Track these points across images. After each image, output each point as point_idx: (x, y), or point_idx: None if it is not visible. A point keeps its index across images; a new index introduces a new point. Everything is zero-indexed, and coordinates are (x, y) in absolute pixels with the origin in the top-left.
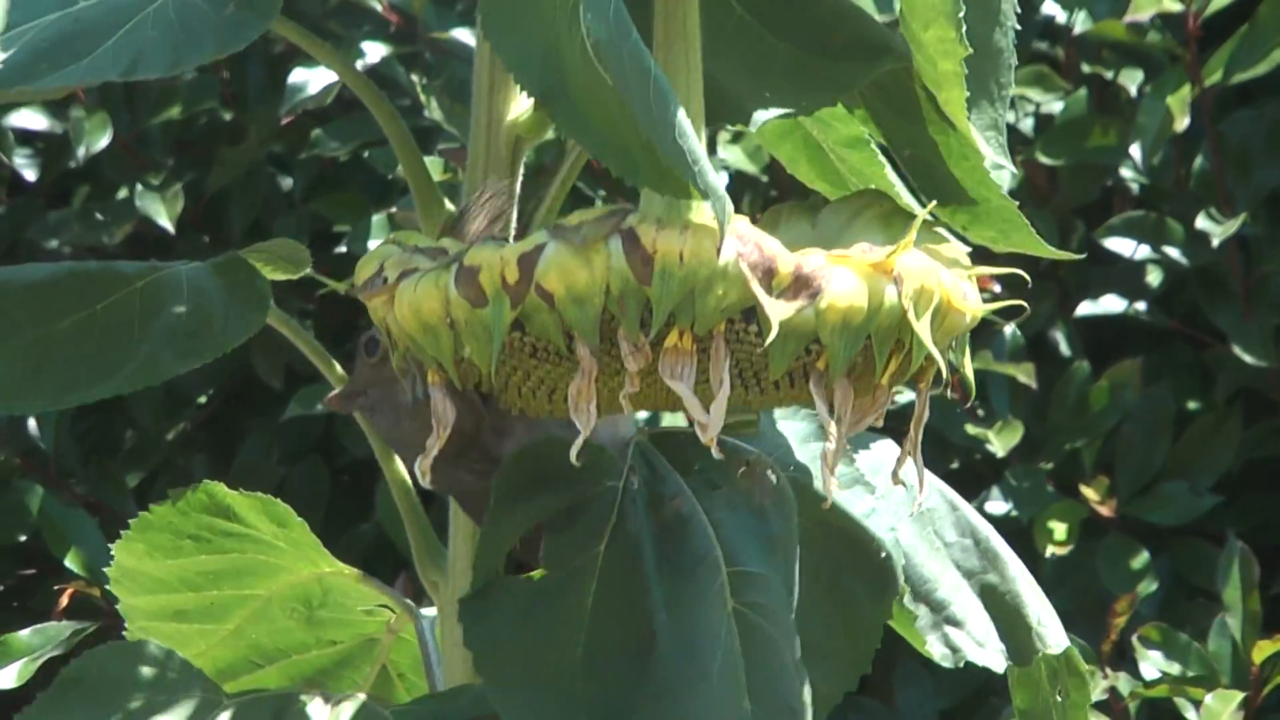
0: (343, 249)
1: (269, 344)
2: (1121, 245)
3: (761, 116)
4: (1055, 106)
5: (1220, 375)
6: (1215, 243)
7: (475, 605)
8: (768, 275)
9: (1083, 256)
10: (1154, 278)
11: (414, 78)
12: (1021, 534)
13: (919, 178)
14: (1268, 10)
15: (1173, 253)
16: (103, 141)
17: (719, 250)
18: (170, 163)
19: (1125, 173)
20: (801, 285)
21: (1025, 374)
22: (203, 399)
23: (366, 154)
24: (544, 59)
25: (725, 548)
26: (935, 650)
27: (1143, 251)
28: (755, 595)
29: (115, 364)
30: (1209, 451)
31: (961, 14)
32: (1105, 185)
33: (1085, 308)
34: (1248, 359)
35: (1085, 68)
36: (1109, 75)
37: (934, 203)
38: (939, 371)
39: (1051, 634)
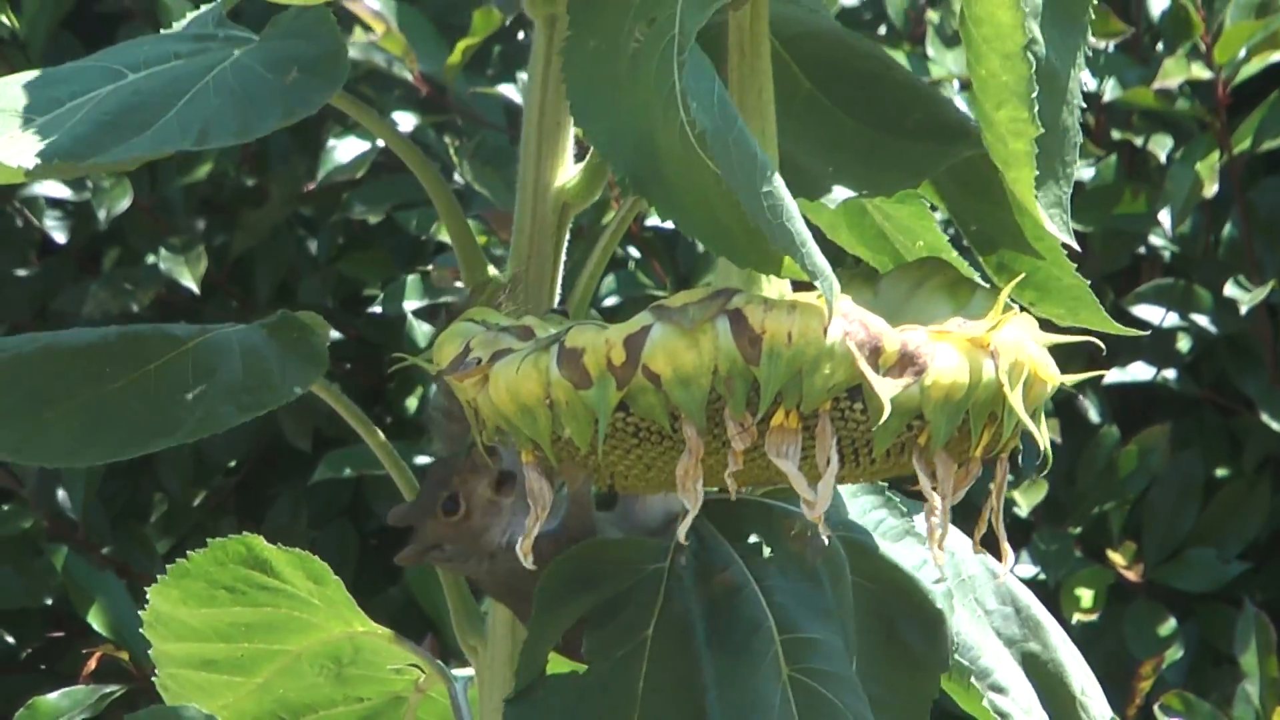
0: (377, 309)
1: (298, 407)
2: (1150, 313)
3: (838, 195)
4: (1085, 174)
5: (1248, 443)
6: (1244, 310)
7: (520, 705)
8: (874, 354)
9: (1147, 333)
10: (1183, 345)
11: (446, 140)
12: (1048, 598)
13: (984, 252)
14: None
15: (1201, 320)
16: (123, 206)
17: (826, 329)
18: (199, 225)
19: (1155, 240)
20: (907, 363)
21: (1052, 430)
22: (232, 463)
23: (404, 217)
24: (637, 145)
25: (778, 615)
26: (988, 711)
27: (1171, 319)
28: (812, 660)
29: (174, 420)
30: (1237, 518)
31: (1035, 94)
32: (1135, 252)
33: (1114, 375)
34: (1276, 427)
35: (1115, 134)
36: (1139, 142)
37: (1011, 282)
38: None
39: (1095, 705)
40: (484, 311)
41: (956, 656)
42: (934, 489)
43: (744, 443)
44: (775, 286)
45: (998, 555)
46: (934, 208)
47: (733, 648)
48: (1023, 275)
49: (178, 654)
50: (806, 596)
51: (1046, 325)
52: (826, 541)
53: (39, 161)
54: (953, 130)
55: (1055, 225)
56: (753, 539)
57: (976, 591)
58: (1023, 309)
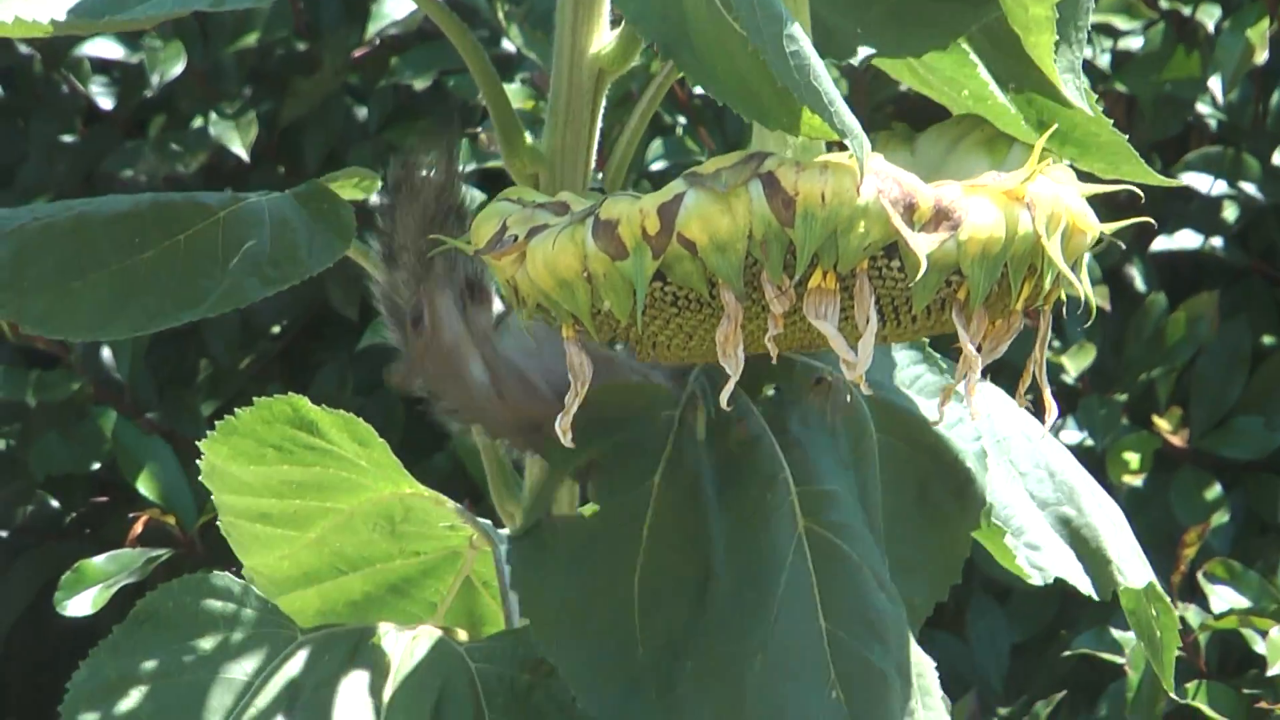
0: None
1: (344, 275)
2: (1198, 180)
3: (864, 54)
4: (1133, 44)
5: None
6: None
7: (523, 546)
8: (909, 210)
9: (1185, 184)
10: (1230, 213)
11: (495, 2)
12: (1095, 464)
13: (1025, 110)
14: None
15: (1250, 189)
16: (176, 70)
17: (859, 188)
18: (246, 92)
19: (1203, 108)
20: (942, 218)
21: (1100, 296)
22: (277, 329)
23: (450, 83)
24: (664, 11)
25: (795, 467)
26: (1023, 566)
27: (1220, 187)
28: (830, 513)
29: (201, 292)
30: None
31: None
32: (1185, 120)
33: (1161, 243)
34: None
35: (1164, 3)
36: (1186, 11)
37: (1047, 133)
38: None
39: (1130, 568)
40: (521, 190)
41: (991, 516)
42: (973, 345)
43: (782, 306)
44: (809, 149)
45: (1041, 410)
46: None
47: (746, 499)
48: (1055, 126)
49: (235, 505)
50: (826, 449)
51: (1088, 179)
52: (849, 398)
53: (57, 18)
54: None
55: (1071, 91)
56: (771, 391)
57: (1011, 453)
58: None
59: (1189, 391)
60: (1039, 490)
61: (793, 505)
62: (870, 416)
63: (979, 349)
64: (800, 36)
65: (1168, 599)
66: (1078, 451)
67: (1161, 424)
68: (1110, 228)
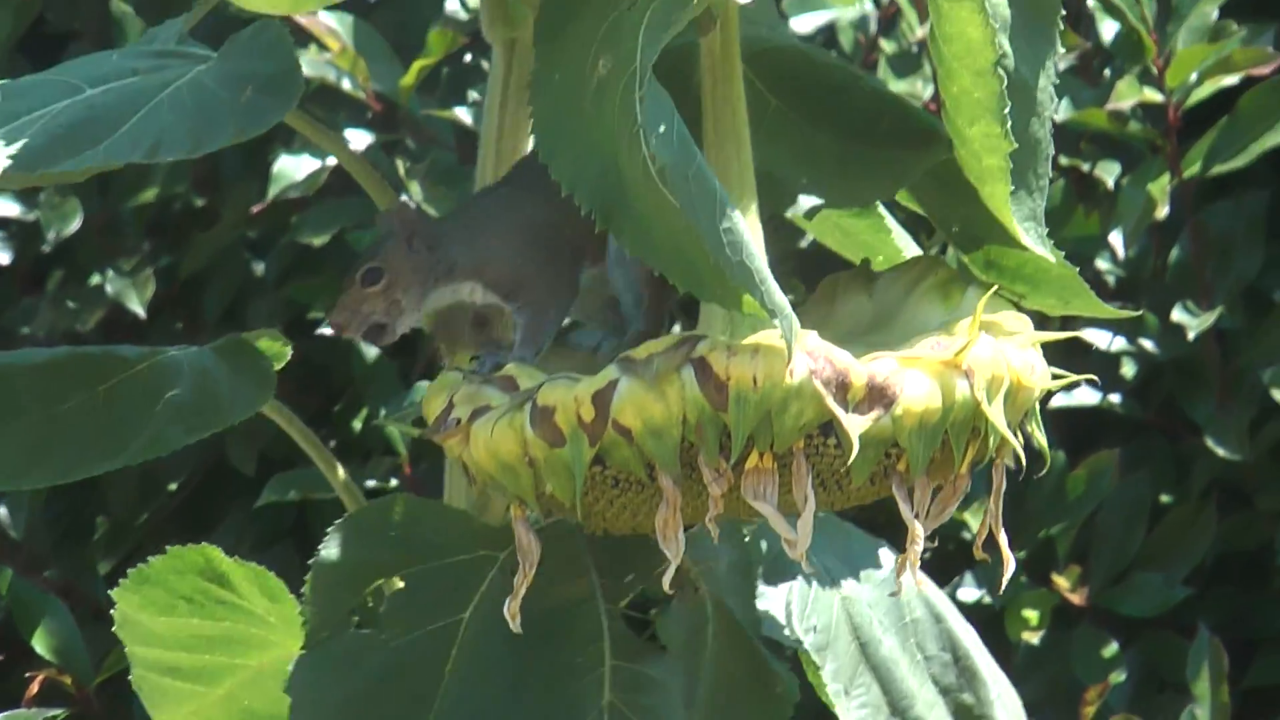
0: (326, 330)
1: (243, 430)
2: (1098, 337)
3: (817, 207)
4: None
5: (1195, 468)
6: (1192, 335)
7: (312, 659)
8: (842, 389)
9: (1139, 312)
10: (1129, 369)
11: (397, 160)
12: (993, 620)
13: (969, 252)
14: (1248, 103)
15: (1148, 344)
16: (73, 226)
17: (791, 370)
18: (145, 247)
19: (1102, 264)
20: (876, 395)
21: (1008, 453)
22: (174, 485)
23: (349, 237)
24: (602, 176)
25: (618, 640)
26: None
27: (1119, 343)
28: (642, 696)
29: (121, 441)
30: (1183, 544)
31: (1007, 109)
32: (1083, 277)
33: (1061, 399)
34: (1222, 452)
35: (1063, 160)
36: (1086, 167)
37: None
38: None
39: None
40: (467, 359)
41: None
42: (913, 516)
43: (721, 487)
44: (751, 323)
45: (938, 582)
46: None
47: (558, 658)
48: (993, 291)
49: (145, 658)
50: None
51: (1039, 317)
52: (695, 590)
53: None
54: (925, 135)
55: (1031, 239)
56: (619, 561)
57: (919, 635)
58: (1015, 305)
59: (1088, 547)
60: (942, 675)
61: (603, 676)
62: (710, 616)
63: (923, 516)
64: (734, 213)
65: None
66: (976, 609)
67: (1060, 581)
68: (1058, 384)
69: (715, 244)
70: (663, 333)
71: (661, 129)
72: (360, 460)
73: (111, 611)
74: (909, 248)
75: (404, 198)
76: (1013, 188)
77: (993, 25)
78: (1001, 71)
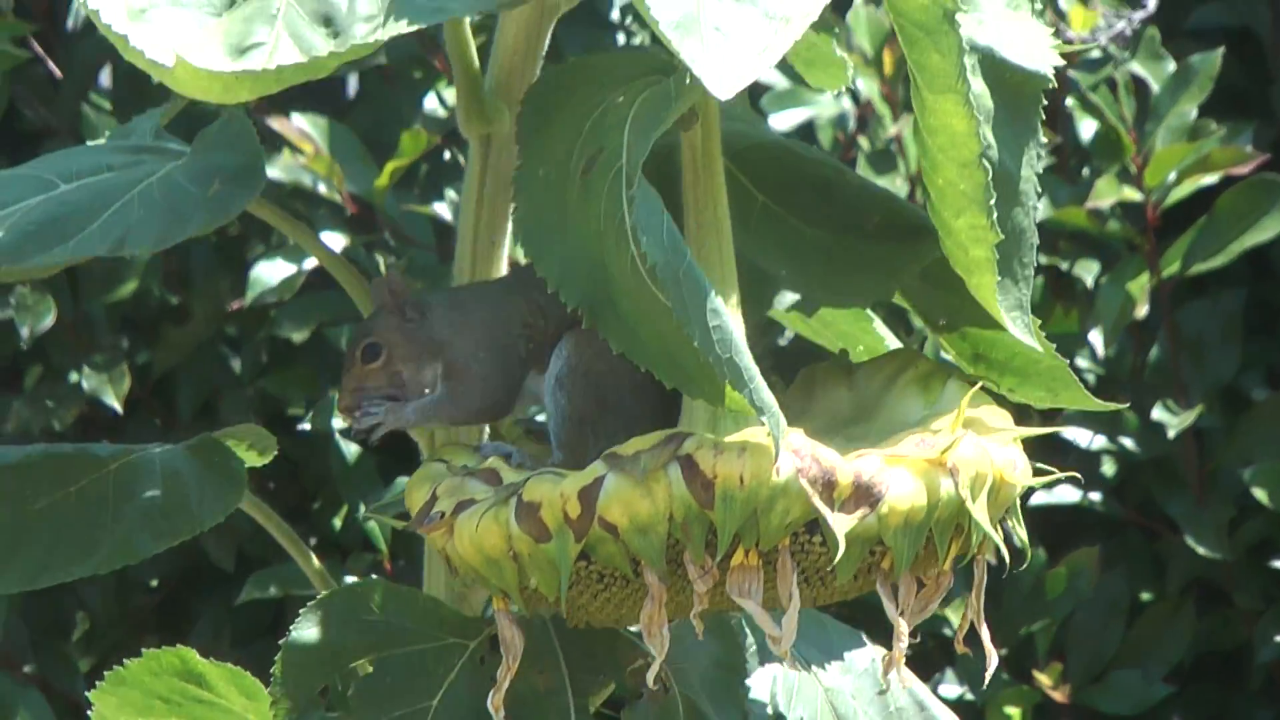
0: (305, 426)
1: (221, 527)
2: (1077, 434)
3: (811, 306)
4: None
5: (1173, 566)
6: (1172, 434)
7: None
8: (828, 488)
9: (1126, 405)
10: (1109, 468)
11: (377, 257)
12: (975, 717)
13: (956, 344)
14: (1226, 203)
15: (1128, 443)
16: (46, 323)
17: (778, 468)
18: (122, 344)
19: (1081, 362)
20: (862, 494)
21: (989, 548)
22: (154, 582)
23: (327, 332)
24: (588, 274)
25: None
26: None
27: (1099, 441)
28: None
29: (91, 545)
30: (1162, 641)
31: (993, 201)
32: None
33: (1041, 496)
34: (1201, 550)
35: (1042, 258)
36: (1064, 266)
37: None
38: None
39: None
40: (453, 450)
41: None
42: (898, 613)
43: (706, 584)
44: (736, 419)
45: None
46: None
47: None
48: (976, 388)
49: None
50: None
51: (1024, 410)
52: (665, 689)
53: None
54: (915, 229)
55: (1018, 329)
56: (589, 656)
57: None
58: (996, 397)
59: (1067, 644)
60: None
61: None
62: (682, 716)
63: (906, 613)
64: (723, 310)
65: None
66: (958, 705)
67: (1043, 679)
68: (1040, 482)
69: (705, 341)
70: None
71: (651, 228)
72: (340, 557)
73: (89, 712)
74: (888, 337)
75: (390, 268)
76: (999, 277)
77: (976, 117)
78: (986, 163)
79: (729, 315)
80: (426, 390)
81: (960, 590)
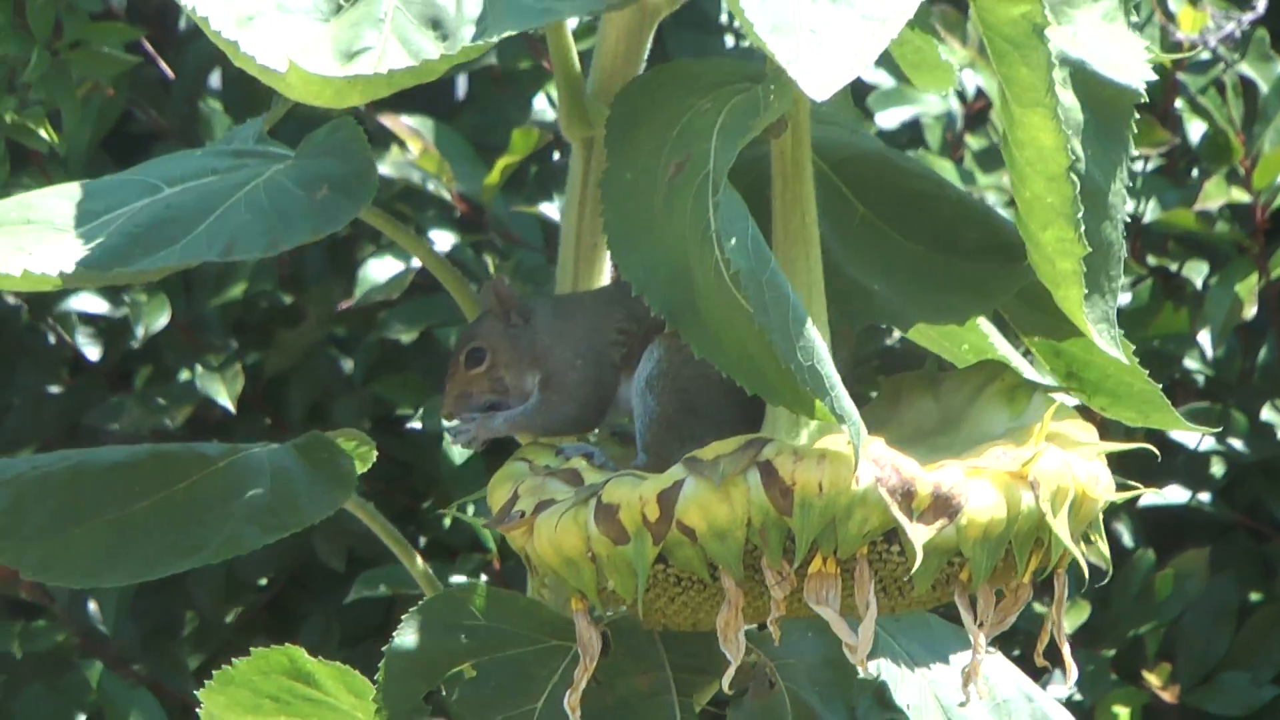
0: (416, 424)
1: (331, 527)
2: (1186, 436)
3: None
4: (1122, 299)
5: None
6: None
7: None
8: (907, 498)
9: (1218, 429)
10: (1218, 469)
11: (486, 258)
12: (1084, 719)
13: (1050, 360)
14: None
15: (1237, 444)
16: (160, 323)
17: (857, 477)
18: (232, 344)
19: (1190, 363)
20: (941, 505)
21: (1095, 555)
22: (263, 581)
23: (438, 332)
24: (672, 279)
25: None
26: None
27: (1207, 443)
28: None
29: (199, 540)
30: (1270, 644)
31: (1080, 214)
32: (1171, 376)
33: (1149, 498)
34: None
35: (1150, 259)
36: (1174, 267)
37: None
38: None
39: None
40: (535, 450)
41: None
42: (976, 624)
43: (783, 590)
44: (818, 427)
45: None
46: None
47: None
48: (1060, 401)
49: None
50: None
51: (1114, 427)
52: (771, 685)
53: (65, 270)
54: (1012, 249)
55: (1104, 341)
56: (691, 655)
57: (1013, 715)
58: (1083, 412)
59: (1176, 647)
60: None
61: None
62: (789, 712)
63: (985, 624)
64: (806, 318)
65: None
66: (1066, 705)
67: (1152, 679)
68: (1121, 496)
69: (787, 349)
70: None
71: (736, 234)
72: (448, 557)
73: (198, 710)
74: (994, 335)
75: (498, 272)
76: (1086, 290)
77: (1064, 131)
78: (1074, 177)
79: (811, 324)
80: (527, 397)
81: (1071, 594)
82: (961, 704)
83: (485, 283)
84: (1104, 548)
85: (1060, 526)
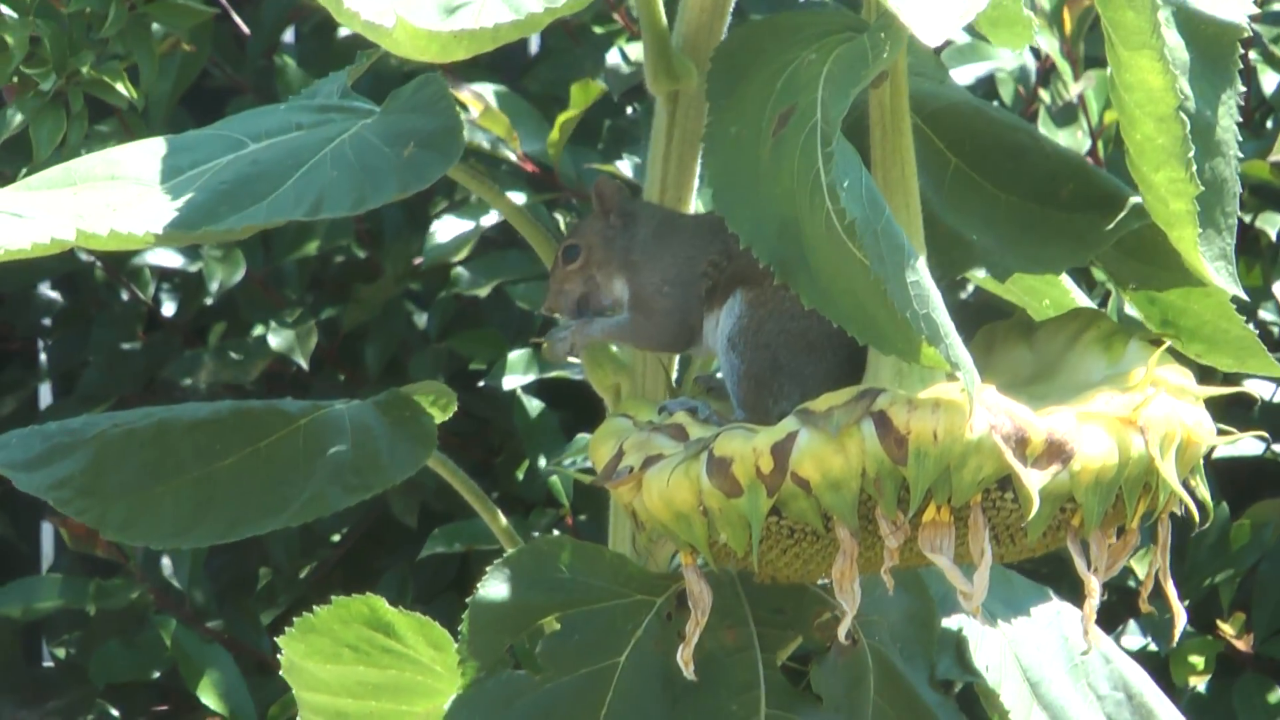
0: (482, 384)
1: (406, 482)
2: (1261, 387)
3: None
4: None
5: None
6: None
7: (470, 699)
8: (1021, 445)
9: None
10: None
11: (557, 216)
12: (1159, 668)
13: (1145, 309)
14: None
15: None
16: (236, 278)
17: (971, 425)
18: (308, 300)
19: (1266, 315)
20: (1055, 450)
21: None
22: (337, 537)
23: (514, 290)
24: (780, 231)
25: (774, 689)
26: None
27: None
28: None
29: (282, 500)
30: None
31: (1191, 154)
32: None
33: (1224, 450)
34: None
35: None
36: (1247, 219)
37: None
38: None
39: None
40: (635, 405)
41: None
42: (1090, 570)
43: (898, 539)
44: (926, 376)
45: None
46: None
47: (712, 704)
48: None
49: (312, 702)
50: (816, 684)
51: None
52: (853, 641)
53: (153, 230)
54: (1109, 199)
55: (1222, 278)
56: (776, 611)
57: (1090, 676)
58: (1178, 357)
59: (1251, 596)
60: (1117, 714)
61: None
62: (871, 668)
63: (1099, 570)
64: (921, 268)
65: None
66: (1141, 655)
67: (1226, 629)
68: (1225, 440)
69: (903, 297)
70: (770, 421)
71: (849, 183)
72: (523, 512)
73: (278, 656)
74: (1075, 290)
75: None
76: (1201, 229)
77: (1172, 72)
78: (1184, 116)
79: (926, 274)
80: (617, 300)
81: (1145, 542)
82: (1084, 652)
83: (599, 178)
84: (1205, 493)
85: (1169, 471)
